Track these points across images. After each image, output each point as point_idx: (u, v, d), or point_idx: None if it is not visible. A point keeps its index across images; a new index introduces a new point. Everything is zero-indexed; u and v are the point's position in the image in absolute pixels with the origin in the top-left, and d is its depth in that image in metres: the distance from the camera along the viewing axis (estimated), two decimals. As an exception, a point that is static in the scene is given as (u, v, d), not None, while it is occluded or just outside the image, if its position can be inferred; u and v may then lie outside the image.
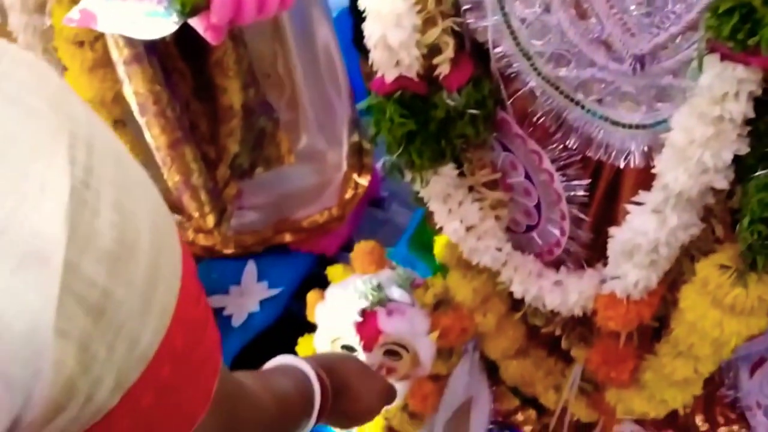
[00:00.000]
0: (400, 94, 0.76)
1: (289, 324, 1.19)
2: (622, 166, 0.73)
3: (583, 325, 0.96)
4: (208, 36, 0.90)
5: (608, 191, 0.82)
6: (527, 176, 0.85)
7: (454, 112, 0.78)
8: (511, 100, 0.79)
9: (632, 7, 0.64)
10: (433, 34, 0.74)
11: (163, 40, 1.01)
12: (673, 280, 0.80)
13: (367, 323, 0.95)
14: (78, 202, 0.30)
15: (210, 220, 1.31)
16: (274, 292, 1.48)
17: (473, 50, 0.77)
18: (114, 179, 0.32)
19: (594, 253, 0.87)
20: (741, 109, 0.60)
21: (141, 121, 1.16)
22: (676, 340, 0.79)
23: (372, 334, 0.94)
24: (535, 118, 0.77)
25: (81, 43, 1.08)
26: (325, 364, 0.72)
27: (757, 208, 0.63)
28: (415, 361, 0.97)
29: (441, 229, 0.90)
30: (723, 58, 0.58)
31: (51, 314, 0.28)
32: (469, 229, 0.88)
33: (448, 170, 0.84)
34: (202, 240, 1.43)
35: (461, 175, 0.86)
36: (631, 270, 0.77)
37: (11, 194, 0.28)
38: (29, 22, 1.10)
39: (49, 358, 0.29)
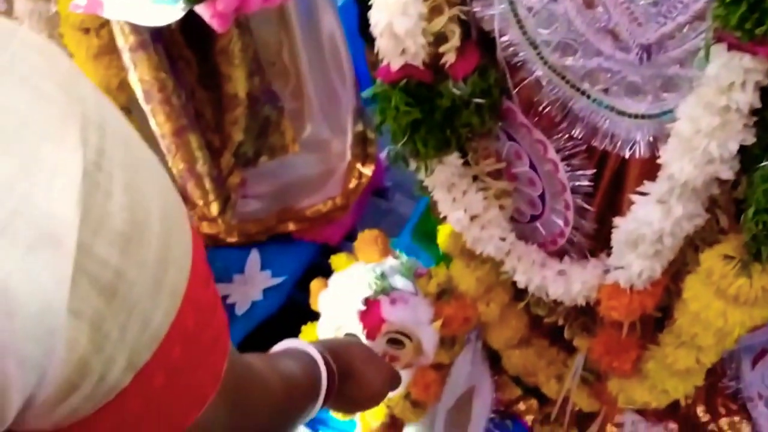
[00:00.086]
0: (406, 82, 0.76)
1: (292, 313, 1.19)
2: (627, 156, 0.73)
3: (585, 315, 0.96)
4: (214, 23, 0.90)
5: (613, 181, 0.82)
6: (532, 166, 0.85)
7: (459, 100, 0.77)
8: (516, 90, 0.79)
9: (639, -3, 0.64)
10: (440, 22, 0.74)
11: (168, 27, 1.02)
12: (677, 270, 0.80)
13: (370, 312, 0.95)
14: (91, 184, 0.30)
15: (214, 208, 1.32)
16: (278, 280, 1.48)
17: (479, 39, 0.77)
18: (125, 161, 0.32)
19: (598, 243, 0.87)
20: (747, 99, 0.60)
21: (146, 108, 1.16)
22: (679, 330, 0.80)
23: (375, 323, 0.95)
24: (540, 108, 0.77)
25: (86, 30, 1.08)
26: (331, 349, 0.72)
27: (762, 199, 0.63)
28: (418, 350, 0.97)
29: (445, 218, 0.90)
30: (730, 47, 0.58)
31: (64, 294, 0.29)
32: (473, 218, 0.88)
33: (453, 159, 0.84)
34: (206, 228, 1.43)
35: (466, 164, 0.86)
36: (635, 260, 0.77)
37: (24, 176, 0.28)
38: (35, 8, 1.10)
39: (63, 337, 0.29)
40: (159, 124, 1.18)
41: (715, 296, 0.72)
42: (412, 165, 0.85)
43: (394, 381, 0.83)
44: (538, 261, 0.90)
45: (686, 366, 0.83)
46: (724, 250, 0.71)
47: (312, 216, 1.50)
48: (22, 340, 0.28)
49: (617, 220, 0.77)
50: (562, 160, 0.80)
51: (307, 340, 1.06)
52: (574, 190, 0.82)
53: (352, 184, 1.51)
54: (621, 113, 0.72)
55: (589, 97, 0.73)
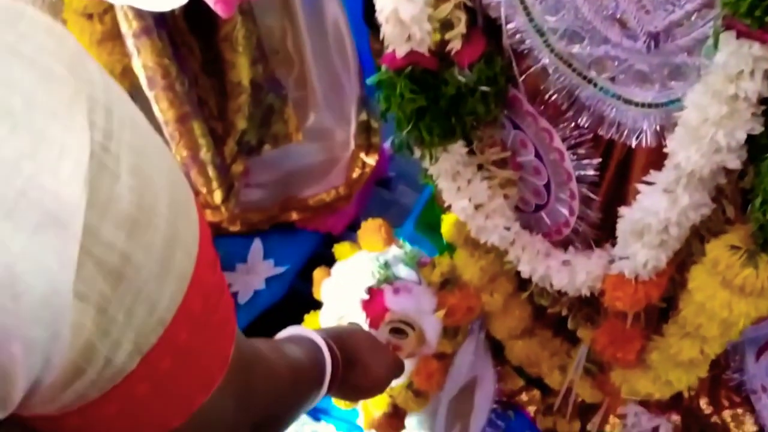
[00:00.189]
0: (411, 69, 0.75)
1: (294, 302, 1.19)
2: (633, 145, 0.73)
3: (589, 306, 0.96)
4: (218, 9, 0.89)
5: (619, 170, 0.81)
6: (537, 155, 0.84)
7: (465, 88, 0.77)
8: (522, 78, 0.78)
9: (648, -16, 0.63)
10: (446, 8, 0.73)
11: (172, 13, 1.01)
12: (682, 260, 0.80)
13: (373, 301, 0.95)
14: (98, 166, 0.30)
15: (217, 196, 1.31)
16: (280, 270, 1.48)
17: (485, 26, 0.77)
18: (132, 143, 0.32)
19: (603, 233, 0.86)
20: (756, 87, 0.59)
21: (149, 94, 1.16)
22: (684, 320, 0.79)
23: (378, 312, 0.94)
24: (546, 96, 0.77)
25: (90, 16, 1.07)
26: (335, 336, 0.72)
27: (770, 189, 0.63)
28: (421, 340, 0.97)
29: (449, 207, 0.90)
30: (739, 35, 0.57)
31: (70, 277, 0.28)
32: (477, 207, 0.87)
33: (458, 147, 0.83)
34: (209, 216, 1.43)
35: (471, 152, 0.86)
36: (641, 250, 0.77)
37: (30, 158, 0.28)
38: (38, -6, 1.09)
39: (68, 320, 0.29)
40: (162, 110, 1.18)
41: (721, 287, 0.72)
42: (417, 153, 0.84)
43: (398, 369, 0.83)
44: (543, 251, 0.90)
45: (690, 357, 0.83)
46: (731, 241, 0.71)
47: (315, 205, 1.50)
48: (27, 323, 0.28)
49: (623, 210, 0.77)
50: (568, 149, 0.80)
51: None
52: (580, 180, 0.82)
53: (356, 173, 1.51)
54: (628, 102, 0.71)
55: (595, 85, 0.72)
